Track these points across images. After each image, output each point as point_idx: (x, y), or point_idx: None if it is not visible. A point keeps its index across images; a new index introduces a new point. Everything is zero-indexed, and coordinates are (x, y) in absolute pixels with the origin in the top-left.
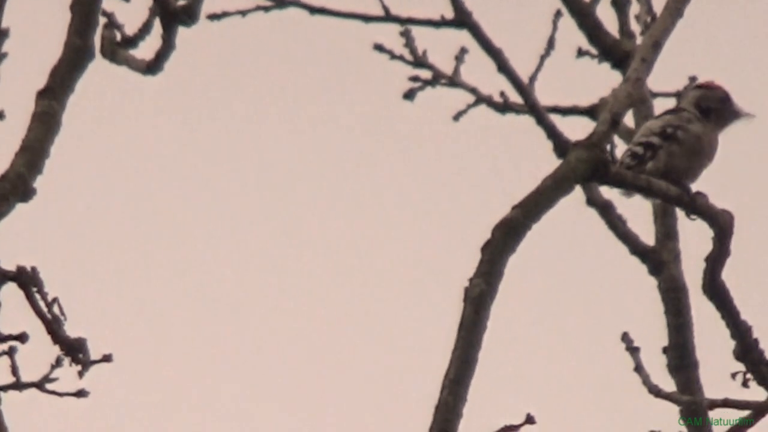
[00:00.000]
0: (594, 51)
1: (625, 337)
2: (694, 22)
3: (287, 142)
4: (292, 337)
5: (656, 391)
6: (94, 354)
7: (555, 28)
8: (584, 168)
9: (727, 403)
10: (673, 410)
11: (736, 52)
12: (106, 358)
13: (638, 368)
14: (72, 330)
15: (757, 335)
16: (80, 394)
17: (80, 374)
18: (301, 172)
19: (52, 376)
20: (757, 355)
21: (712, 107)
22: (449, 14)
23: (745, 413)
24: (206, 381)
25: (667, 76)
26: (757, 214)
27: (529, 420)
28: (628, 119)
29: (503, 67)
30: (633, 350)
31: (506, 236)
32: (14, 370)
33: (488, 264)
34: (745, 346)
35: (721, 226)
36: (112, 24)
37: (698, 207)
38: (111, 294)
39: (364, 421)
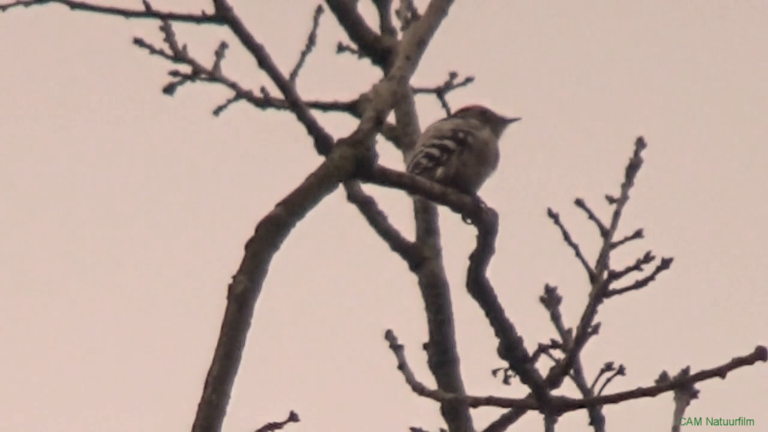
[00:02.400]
0: (354, 47)
1: (389, 335)
2: (450, 16)
3: (49, 138)
4: (57, 337)
5: (420, 389)
6: None
7: (316, 24)
8: (348, 165)
9: (490, 401)
10: (435, 407)
11: (490, 48)
12: None
13: (402, 366)
14: None
15: (520, 333)
16: None
17: None
18: (61, 168)
19: None
20: (520, 353)
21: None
22: (210, 10)
23: (507, 410)
24: None
25: (427, 72)
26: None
27: (293, 417)
28: (390, 116)
29: (264, 62)
30: (396, 348)
31: (269, 233)
32: None
33: (252, 261)
34: (508, 344)
35: (486, 224)
36: None
37: (463, 205)
38: None
39: (127, 421)
